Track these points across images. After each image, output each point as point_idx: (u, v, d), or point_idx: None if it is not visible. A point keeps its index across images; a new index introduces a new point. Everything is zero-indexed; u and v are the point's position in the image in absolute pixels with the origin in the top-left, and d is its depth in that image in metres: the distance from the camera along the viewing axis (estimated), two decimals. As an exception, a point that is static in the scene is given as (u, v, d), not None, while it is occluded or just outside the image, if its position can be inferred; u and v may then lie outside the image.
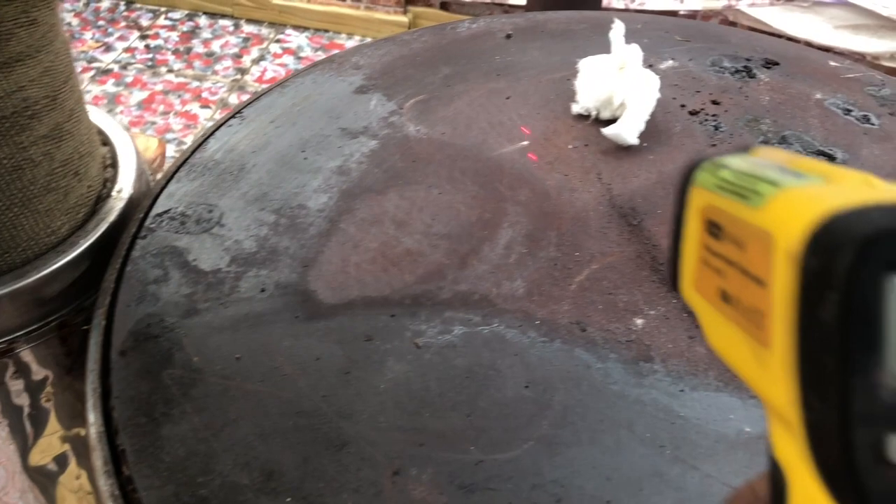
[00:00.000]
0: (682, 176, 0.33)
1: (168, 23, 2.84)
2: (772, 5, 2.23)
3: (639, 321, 0.64)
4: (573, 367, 0.60)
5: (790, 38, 2.27)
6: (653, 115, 0.85)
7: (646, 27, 1.01)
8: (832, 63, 0.96)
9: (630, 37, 0.86)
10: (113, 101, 2.43)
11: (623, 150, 0.81)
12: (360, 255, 0.68)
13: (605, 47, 0.85)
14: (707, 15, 2.32)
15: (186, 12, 2.87)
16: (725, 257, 0.28)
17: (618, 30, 0.87)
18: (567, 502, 0.51)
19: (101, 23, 2.83)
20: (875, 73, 0.94)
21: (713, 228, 0.29)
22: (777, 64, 0.95)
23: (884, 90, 0.92)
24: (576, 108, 0.85)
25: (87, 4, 2.91)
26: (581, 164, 0.79)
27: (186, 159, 0.77)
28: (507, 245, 0.70)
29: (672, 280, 0.34)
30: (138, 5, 2.91)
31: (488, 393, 0.58)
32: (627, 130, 0.80)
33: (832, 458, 0.22)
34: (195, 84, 2.54)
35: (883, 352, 0.21)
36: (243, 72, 2.58)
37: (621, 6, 2.37)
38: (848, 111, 0.88)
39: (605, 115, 0.84)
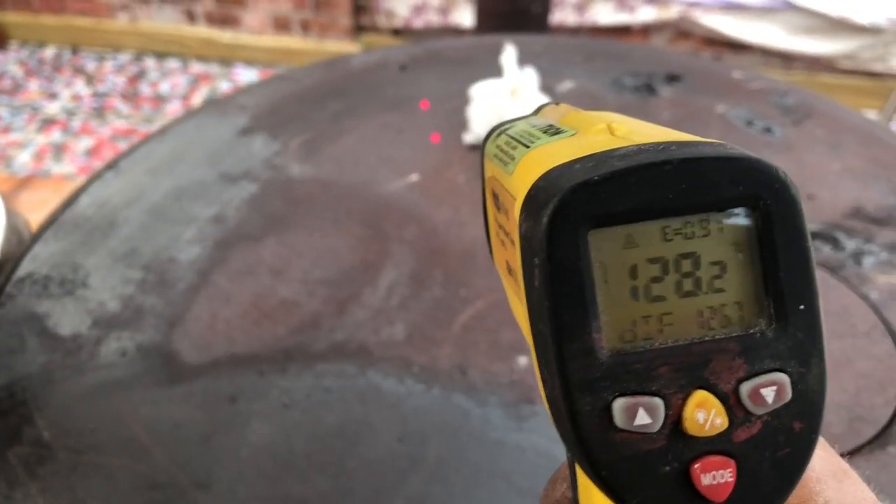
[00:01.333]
0: (482, 146, 0.31)
1: (114, 66, 2.80)
2: (724, 14, 2.23)
3: (522, 360, 0.61)
4: (451, 415, 0.57)
5: (745, 46, 2.27)
6: (548, 139, 0.82)
7: (548, 49, 0.99)
8: (736, 75, 0.94)
9: (531, 60, 0.83)
10: (60, 151, 2.38)
11: (516, 178, 0.78)
12: (231, 310, 0.64)
13: (501, 73, 0.82)
14: (660, 26, 2.32)
15: (133, 55, 2.83)
16: (504, 228, 0.26)
17: (509, 54, 0.84)
18: (432, 568, 0.48)
19: (45, 71, 2.78)
20: (780, 83, 0.93)
21: (496, 199, 0.28)
22: (679, 79, 0.93)
23: (787, 99, 0.90)
24: (468, 138, 0.83)
25: (31, 54, 2.87)
26: (471, 197, 0.76)
27: (56, 218, 0.73)
28: (389, 287, 0.67)
29: (490, 255, 0.31)
30: (84, 51, 2.87)
31: (358, 451, 0.54)
32: (519, 158, 0.77)
33: (565, 431, 0.21)
34: (144, 127, 2.49)
35: (595, 314, 0.20)
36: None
37: (573, 23, 2.37)
38: (750, 123, 0.86)
39: (498, 143, 0.81)
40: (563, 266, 0.20)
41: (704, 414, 0.20)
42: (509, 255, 0.25)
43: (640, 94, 0.90)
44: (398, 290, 0.66)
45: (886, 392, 0.58)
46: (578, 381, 0.20)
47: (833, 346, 0.62)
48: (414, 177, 0.78)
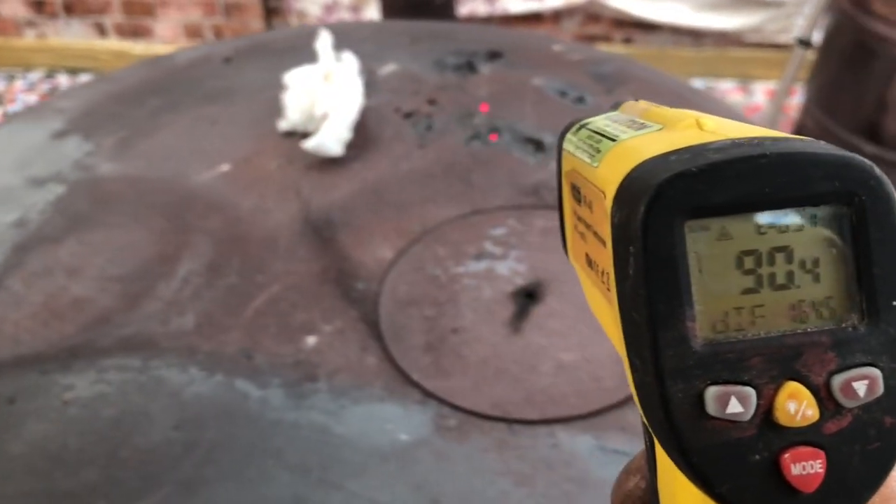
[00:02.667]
0: (558, 141, 0.31)
1: (26, 85, 2.72)
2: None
3: (311, 340, 0.61)
4: (230, 399, 0.57)
5: (655, 25, 2.31)
6: (365, 122, 0.83)
7: (375, 33, 1.00)
8: (556, 48, 0.96)
9: (356, 45, 0.84)
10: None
11: (328, 162, 0.79)
12: (21, 312, 0.64)
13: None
14: (570, 11, 2.34)
15: (44, 72, 2.75)
16: (585, 221, 0.26)
17: (324, 40, 0.85)
18: (188, 549, 0.48)
19: (-46, 95, 2.69)
20: (599, 53, 0.95)
21: (576, 192, 0.28)
22: (501, 55, 0.95)
23: (604, 68, 0.92)
24: (283, 125, 0.83)
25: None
26: (281, 183, 0.77)
27: None
28: (184, 278, 0.67)
29: (564, 249, 0.31)
30: (-7, 71, 2.78)
31: (133, 441, 0.54)
32: (329, 142, 0.78)
33: (656, 417, 0.21)
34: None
35: (689, 303, 0.20)
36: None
37: (484, 13, 2.37)
38: (564, 93, 0.88)
39: (311, 128, 0.81)
40: (658, 255, 0.20)
41: (795, 405, 0.21)
42: (590, 247, 0.25)
43: (460, 73, 0.92)
44: (193, 281, 0.67)
45: (660, 342, 0.60)
46: (672, 368, 0.20)
47: (615, 302, 0.64)
48: (225, 167, 0.78)
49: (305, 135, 0.81)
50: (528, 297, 0.65)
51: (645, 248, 0.20)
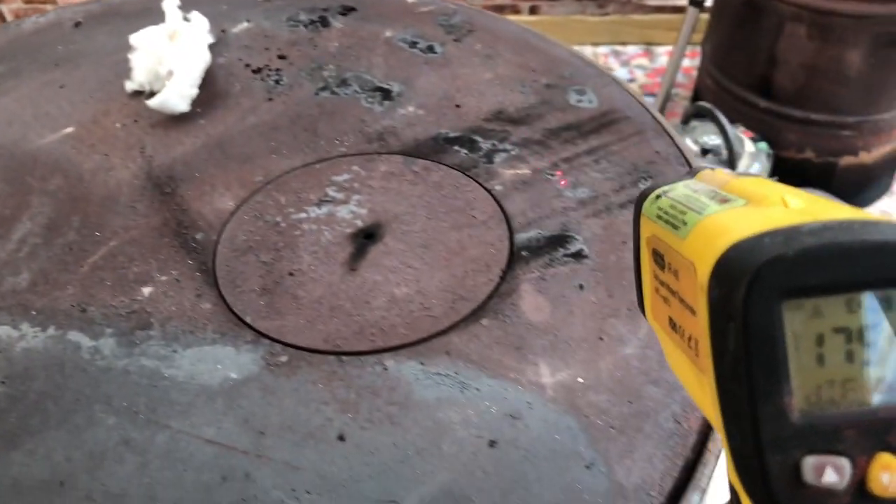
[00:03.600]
0: (635, 206, 0.33)
1: None
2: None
3: (147, 290, 0.62)
4: (61, 352, 0.57)
5: None
6: (213, 79, 0.83)
7: (231, -7, 0.99)
8: (409, 0, 0.97)
9: (209, 5, 0.84)
10: None
11: (174, 119, 0.78)
12: None
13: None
14: None
15: None
16: (669, 286, 0.28)
17: (170, 1, 0.84)
18: (7, 498, 0.49)
19: None
20: (449, 4, 0.96)
21: (658, 258, 0.29)
22: (354, 9, 0.95)
23: (454, 19, 0.93)
24: (130, 86, 0.82)
25: None
26: (125, 142, 0.76)
27: None
28: (21, 239, 0.66)
29: (641, 309, 0.33)
30: None
31: (-43, 398, 0.54)
32: (173, 98, 0.77)
33: (754, 485, 0.22)
34: None
35: (787, 377, 0.21)
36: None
37: None
38: (414, 44, 0.89)
39: (157, 87, 0.81)
40: (758, 333, 0.21)
41: (889, 476, 0.21)
42: (675, 312, 0.27)
43: (313, 28, 0.92)
44: (30, 241, 0.66)
45: (490, 272, 0.63)
46: (770, 440, 0.21)
47: (451, 237, 0.66)
48: (69, 129, 0.77)
49: (152, 94, 0.81)
50: (366, 238, 0.66)
51: (746, 326, 0.21)
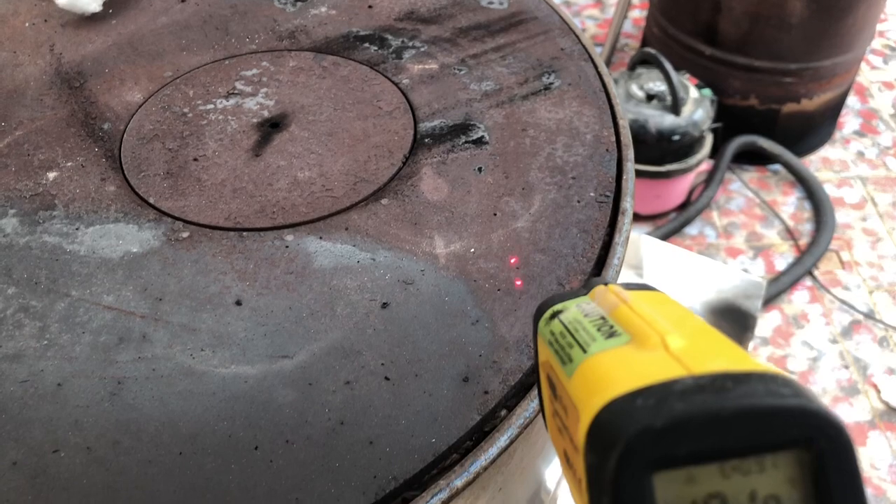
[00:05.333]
0: (534, 318, 0.32)
1: None
2: None
3: (52, 174, 0.62)
4: (-38, 229, 0.58)
5: None
6: (125, -19, 0.82)
7: None
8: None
9: None
10: None
11: (85, 19, 0.78)
12: None
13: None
14: None
15: None
16: (561, 419, 0.27)
17: None
18: None
19: None
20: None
21: (552, 386, 0.29)
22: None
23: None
24: (39, -13, 0.81)
25: None
26: (35, 40, 0.76)
27: None
28: (-76, 129, 0.66)
29: (545, 424, 0.32)
30: None
31: None
32: (83, -2, 0.77)
33: None
34: None
35: None
36: None
37: None
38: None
39: (68, -13, 0.80)
40: None
41: None
42: (568, 448, 0.26)
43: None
44: (-67, 130, 0.66)
45: (393, 157, 0.64)
46: None
47: (356, 126, 0.67)
48: (-24, 28, 0.77)
49: (64, -5, 0.80)
50: (272, 127, 0.67)
51: (616, 501, 0.21)
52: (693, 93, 1.82)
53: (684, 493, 0.22)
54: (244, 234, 0.58)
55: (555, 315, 0.31)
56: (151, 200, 0.60)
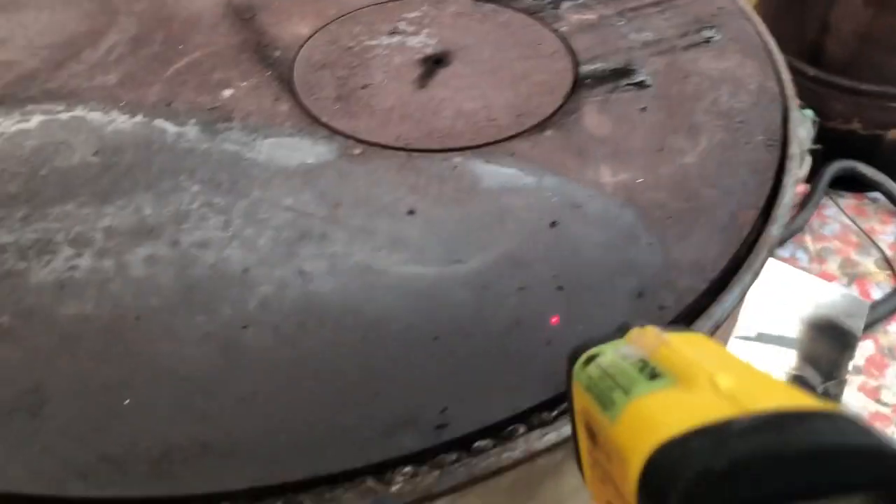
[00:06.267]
0: (567, 364, 0.31)
1: None
2: None
3: (228, 92, 0.65)
4: (149, 134, 0.61)
5: None
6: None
7: None
8: None
9: None
10: None
11: (253, -39, 0.81)
12: (-51, 70, 0.66)
13: None
14: None
15: None
16: (603, 467, 0.26)
17: None
18: (101, 242, 0.52)
19: None
20: None
21: (591, 434, 0.27)
22: None
23: None
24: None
25: None
26: (207, -24, 0.79)
27: None
28: (109, 49, 0.70)
29: (580, 471, 0.30)
30: None
31: (53, 163, 0.58)
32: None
33: None
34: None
35: None
36: None
37: None
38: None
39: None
40: None
41: None
42: (612, 496, 0.25)
43: None
44: (117, 50, 0.70)
45: (554, 95, 0.65)
46: None
47: (517, 66, 0.68)
48: (152, -35, 0.81)
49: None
50: (435, 63, 0.69)
51: None
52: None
53: None
54: (413, 154, 0.59)
55: (590, 360, 0.29)
56: (324, 119, 0.62)
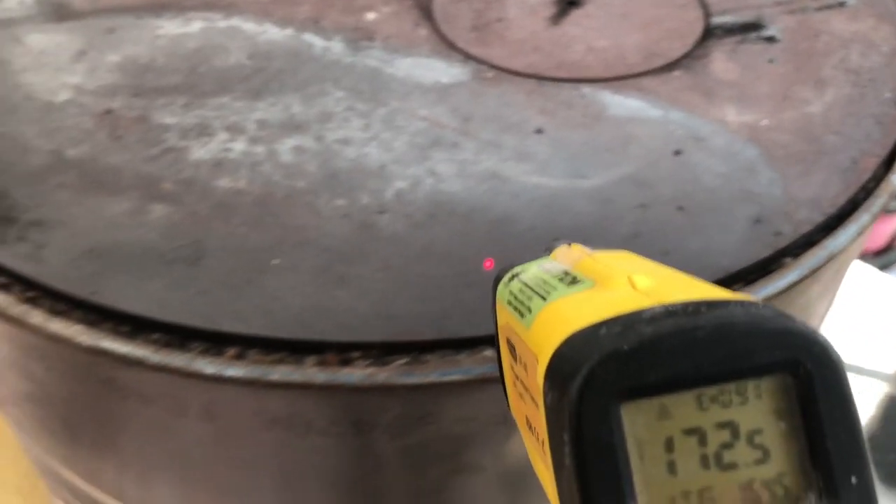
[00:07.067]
0: (492, 288, 0.30)
1: None
2: None
3: (370, 15, 0.69)
4: (297, 45, 0.65)
5: None
6: None
7: None
8: None
9: None
10: None
11: None
12: (120, -22, 0.72)
13: None
14: None
15: None
16: (523, 382, 0.25)
17: None
18: (253, 131, 0.57)
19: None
20: None
21: (512, 349, 0.27)
22: None
23: None
24: None
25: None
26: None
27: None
28: (263, -31, 0.74)
29: (506, 402, 0.29)
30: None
31: (211, 62, 0.63)
32: None
33: None
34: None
35: (631, 495, 0.18)
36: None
37: None
38: None
39: None
40: (594, 444, 0.18)
41: None
42: (530, 411, 0.24)
43: None
44: (271, -29, 0.74)
45: (684, 40, 0.67)
46: None
47: (648, 12, 0.70)
48: None
49: None
50: (569, 4, 0.71)
51: (579, 438, 0.18)
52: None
53: (657, 429, 0.19)
54: (543, 81, 0.62)
55: (514, 277, 0.29)
56: (460, 45, 0.65)
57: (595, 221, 0.50)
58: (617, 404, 0.19)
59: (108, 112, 0.58)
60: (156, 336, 0.44)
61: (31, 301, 0.46)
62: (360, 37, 0.66)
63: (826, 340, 0.19)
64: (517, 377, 0.26)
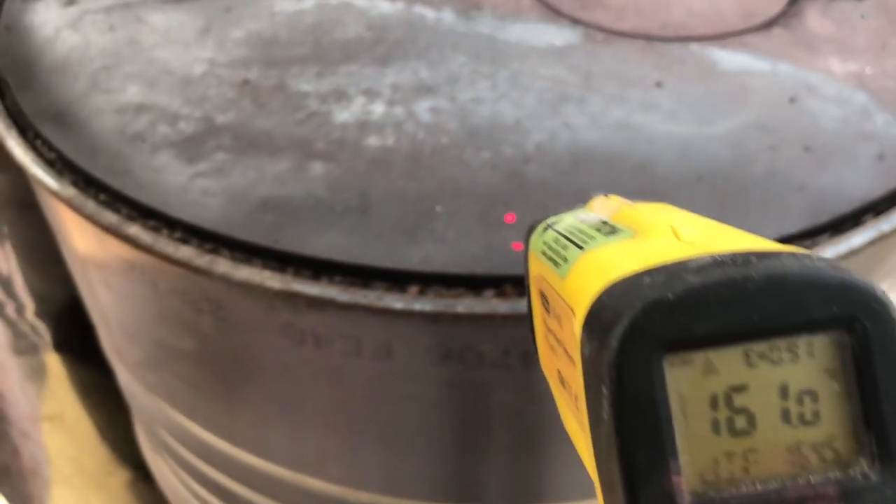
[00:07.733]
0: (524, 240, 0.29)
1: None
2: None
3: (473, -13, 0.72)
4: (410, 16, 0.68)
5: None
6: None
7: None
8: None
9: None
10: None
11: None
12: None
13: None
14: None
15: None
16: (555, 334, 0.24)
17: None
18: (389, 94, 0.60)
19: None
20: None
21: (545, 301, 0.26)
22: None
23: None
24: None
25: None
26: None
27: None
28: (360, -51, 0.77)
29: (536, 356, 0.29)
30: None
31: (332, 35, 0.66)
32: None
33: None
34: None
35: (673, 453, 0.18)
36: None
37: None
38: None
39: None
40: (635, 398, 0.17)
41: None
42: (562, 364, 0.23)
43: None
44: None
45: (778, 1, 0.70)
46: None
47: (737, -24, 0.73)
48: None
49: None
50: (659, -29, 0.74)
51: (619, 391, 0.17)
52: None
53: (702, 385, 0.18)
54: (652, 41, 0.65)
55: (548, 227, 0.27)
56: (566, 11, 0.68)
57: (731, 161, 0.53)
58: (660, 357, 0.18)
59: (246, 82, 0.61)
60: (338, 278, 0.47)
61: (213, 251, 0.49)
62: (468, 7, 0.69)
63: (885, 296, 0.18)
64: (549, 329, 0.25)
